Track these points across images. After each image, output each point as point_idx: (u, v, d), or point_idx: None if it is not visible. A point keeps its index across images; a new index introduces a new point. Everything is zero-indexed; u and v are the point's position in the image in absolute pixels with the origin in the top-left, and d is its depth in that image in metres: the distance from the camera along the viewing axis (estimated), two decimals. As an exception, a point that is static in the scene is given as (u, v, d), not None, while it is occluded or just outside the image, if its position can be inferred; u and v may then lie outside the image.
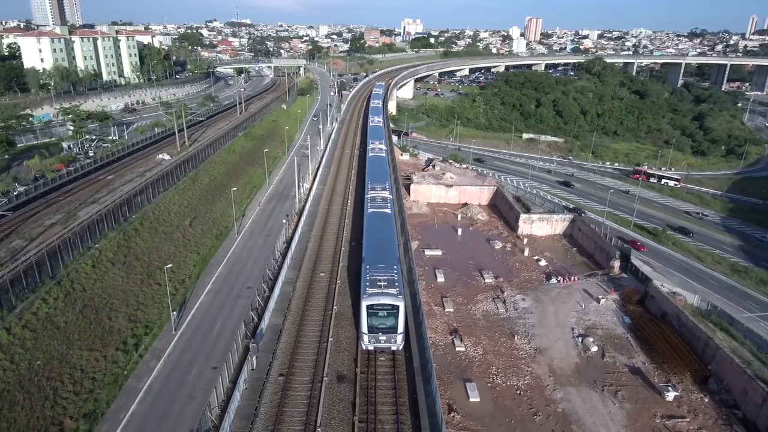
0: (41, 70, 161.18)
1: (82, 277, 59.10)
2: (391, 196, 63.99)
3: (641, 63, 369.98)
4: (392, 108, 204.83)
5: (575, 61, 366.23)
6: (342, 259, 56.13)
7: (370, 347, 38.84)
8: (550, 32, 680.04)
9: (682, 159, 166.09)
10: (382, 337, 38.16)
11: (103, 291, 59.28)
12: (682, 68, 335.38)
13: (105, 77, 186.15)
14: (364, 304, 38.27)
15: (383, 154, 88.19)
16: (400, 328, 38.36)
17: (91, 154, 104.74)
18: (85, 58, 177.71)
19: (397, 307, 38.11)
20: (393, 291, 39.00)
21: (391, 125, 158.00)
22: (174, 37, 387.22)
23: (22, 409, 42.50)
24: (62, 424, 42.82)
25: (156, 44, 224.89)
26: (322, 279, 51.74)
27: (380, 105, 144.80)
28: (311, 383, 35.85)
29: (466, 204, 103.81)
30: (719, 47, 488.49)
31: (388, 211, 58.65)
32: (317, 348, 40.25)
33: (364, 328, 38.30)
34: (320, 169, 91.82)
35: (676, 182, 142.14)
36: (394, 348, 38.95)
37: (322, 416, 32.80)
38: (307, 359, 38.70)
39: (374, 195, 62.51)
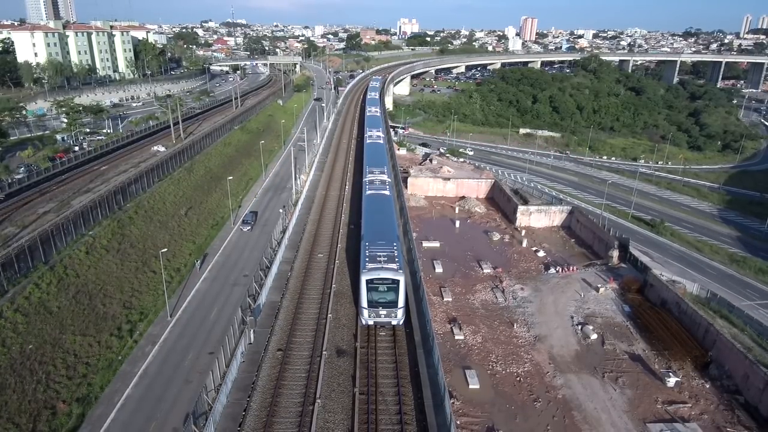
0: (35, 65, 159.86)
1: (75, 264, 58.42)
2: (389, 180, 63.51)
3: (636, 61, 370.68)
4: (389, 104, 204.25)
5: (571, 58, 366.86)
6: (340, 240, 55.79)
7: (370, 322, 38.42)
8: (545, 32, 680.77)
9: (679, 153, 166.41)
10: (383, 312, 37.72)
11: (96, 277, 58.58)
12: (678, 66, 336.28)
13: (100, 72, 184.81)
14: (363, 278, 37.82)
15: (381, 141, 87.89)
16: (401, 302, 37.95)
17: (84, 146, 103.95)
18: (79, 52, 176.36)
19: (397, 282, 37.70)
20: (393, 266, 38.59)
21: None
22: (169, 36, 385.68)
23: (14, 392, 41.82)
24: (55, 407, 42.16)
25: (151, 40, 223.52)
26: (320, 260, 51.36)
27: (377, 96, 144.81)
28: (310, 357, 35.46)
29: (463, 197, 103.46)
30: (714, 46, 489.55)
31: (387, 193, 58.14)
32: (316, 324, 39.89)
33: (364, 303, 37.86)
34: (317, 157, 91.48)
35: (403, 128, 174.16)
36: (394, 323, 38.56)
37: (321, 388, 32.46)
38: (306, 335, 38.30)
39: (372, 178, 62.00)
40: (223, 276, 66.63)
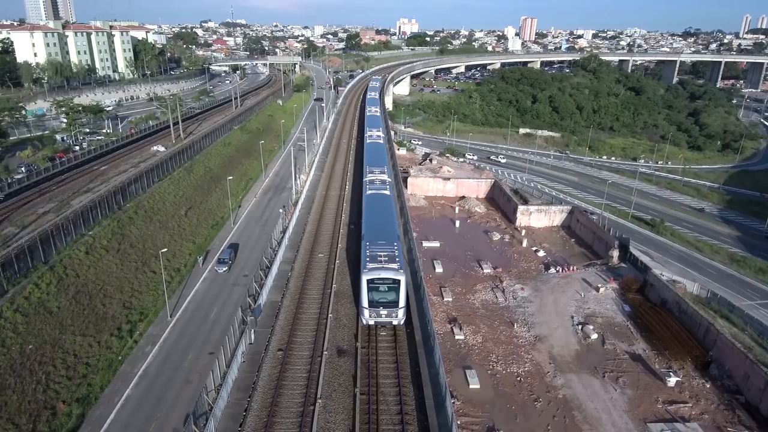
0: (34, 65, 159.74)
1: (75, 264, 58.33)
2: (389, 180, 63.48)
3: (636, 61, 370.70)
4: (388, 104, 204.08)
5: (571, 58, 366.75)
6: (341, 240, 55.85)
7: (371, 322, 38.36)
8: (544, 32, 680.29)
9: (679, 153, 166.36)
10: (383, 312, 37.66)
11: (96, 277, 58.49)
12: (677, 66, 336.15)
13: (99, 72, 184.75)
14: (364, 278, 37.77)
15: (381, 141, 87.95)
16: (402, 302, 37.91)
17: (84, 145, 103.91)
18: (78, 52, 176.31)
19: (398, 282, 37.67)
20: (393, 266, 38.56)
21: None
22: (168, 36, 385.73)
23: (14, 392, 41.70)
24: (55, 407, 42.06)
25: (150, 40, 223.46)
26: (320, 259, 51.42)
27: (377, 96, 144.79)
28: (311, 357, 35.43)
29: (463, 197, 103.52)
30: (713, 46, 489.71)
31: (387, 192, 58.15)
32: (316, 324, 39.87)
33: (365, 303, 37.79)
34: (317, 157, 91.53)
35: None
36: (395, 323, 38.51)
37: (322, 389, 32.43)
38: (306, 335, 38.26)
39: (373, 178, 61.98)
40: (222, 276, 66.54)
